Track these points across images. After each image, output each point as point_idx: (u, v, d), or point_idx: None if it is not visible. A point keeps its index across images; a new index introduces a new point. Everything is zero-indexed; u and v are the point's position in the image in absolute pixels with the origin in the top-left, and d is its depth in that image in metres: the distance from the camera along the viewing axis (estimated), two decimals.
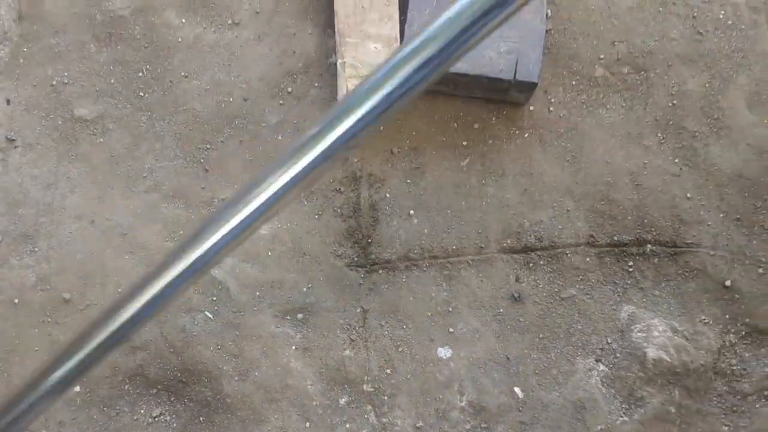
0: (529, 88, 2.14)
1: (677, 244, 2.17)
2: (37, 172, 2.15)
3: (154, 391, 2.03)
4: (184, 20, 2.26)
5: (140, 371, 2.03)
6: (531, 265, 2.15)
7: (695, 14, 2.30)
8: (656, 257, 2.16)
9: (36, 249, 2.10)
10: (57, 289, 2.09)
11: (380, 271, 2.13)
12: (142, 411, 2.04)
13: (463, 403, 2.04)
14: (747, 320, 2.12)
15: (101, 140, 2.17)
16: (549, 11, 2.21)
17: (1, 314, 2.09)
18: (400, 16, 2.19)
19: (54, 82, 2.21)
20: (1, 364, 2.07)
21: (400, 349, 2.06)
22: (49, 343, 2.04)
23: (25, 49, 2.24)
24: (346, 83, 2.07)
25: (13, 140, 2.17)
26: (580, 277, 2.13)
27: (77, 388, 2.01)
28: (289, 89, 2.24)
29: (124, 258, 2.09)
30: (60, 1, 2.28)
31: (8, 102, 2.19)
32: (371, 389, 2.05)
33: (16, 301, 2.09)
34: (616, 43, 2.31)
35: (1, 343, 2.07)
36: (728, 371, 2.08)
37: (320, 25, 2.29)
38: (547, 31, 2.16)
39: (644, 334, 2.10)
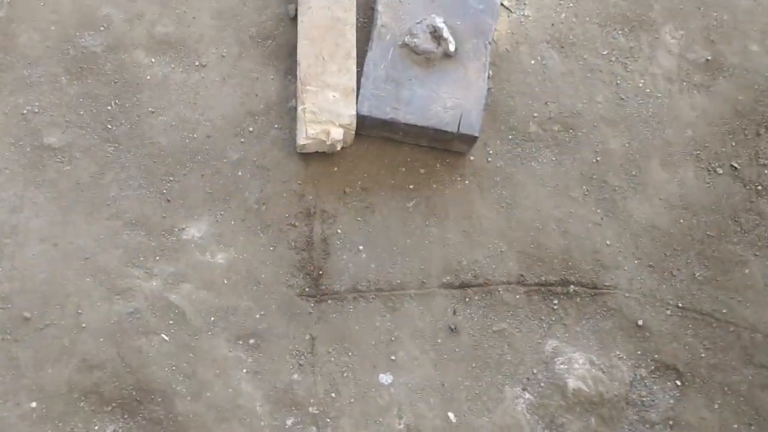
0: (471, 140, 2.51)
1: (597, 285, 2.56)
2: (4, 195, 2.39)
3: (109, 408, 2.28)
4: (153, 60, 2.57)
5: (96, 389, 2.26)
6: (467, 299, 2.49)
7: (618, 82, 2.74)
8: (578, 297, 2.54)
9: None
10: (18, 307, 2.32)
11: (329, 301, 2.44)
12: (96, 428, 2.29)
13: (401, 426, 2.36)
14: (656, 356, 2.52)
15: (68, 168, 2.43)
16: (491, 72, 2.59)
17: None
18: (357, 69, 2.50)
19: (24, 111, 2.47)
20: None
21: (345, 375, 2.35)
22: (7, 360, 2.27)
23: None
24: (306, 127, 2.40)
25: None
26: (511, 312, 2.49)
27: (33, 404, 2.22)
28: (251, 129, 2.55)
29: (85, 280, 2.34)
30: (35, 35, 2.55)
31: None
32: (317, 411, 2.34)
33: None
34: (548, 103, 2.72)
35: None
36: (639, 402, 2.47)
37: (282, 71, 2.63)
38: (488, 90, 2.52)
39: (566, 366, 2.46)
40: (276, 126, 2.70)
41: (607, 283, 2.70)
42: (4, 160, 2.53)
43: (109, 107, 2.63)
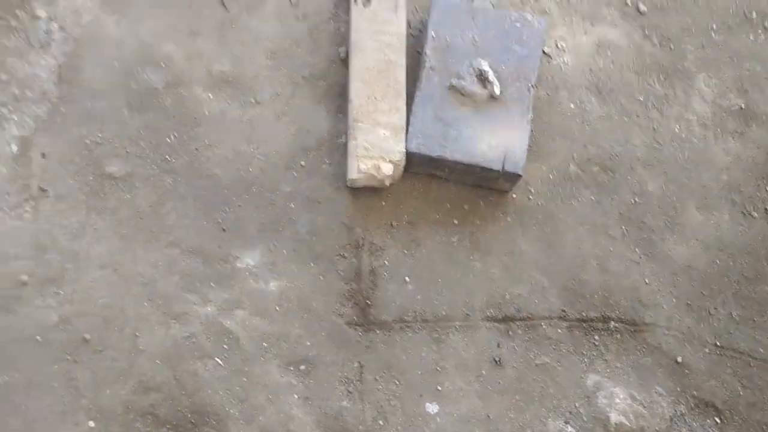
0: (515, 178, 2.69)
1: (637, 322, 2.71)
2: (66, 222, 2.57)
3: (164, 430, 2.44)
4: (211, 95, 2.78)
5: (152, 410, 2.41)
6: (510, 333, 2.64)
7: (655, 126, 2.95)
8: (619, 333, 2.69)
9: (60, 292, 2.50)
10: (78, 329, 2.49)
11: (377, 331, 2.58)
12: None
13: None
14: (695, 393, 2.66)
15: (128, 196, 2.61)
16: (532, 115, 2.76)
17: (23, 351, 2.49)
18: (406, 109, 2.68)
19: (88, 141, 2.68)
20: (20, 400, 2.42)
21: (392, 403, 2.49)
22: (67, 380, 2.42)
23: (62, 110, 2.72)
24: (358, 162, 2.58)
25: (45, 190, 2.60)
26: (553, 346, 2.63)
27: (91, 423, 2.36)
28: (302, 163, 2.74)
29: (143, 305, 2.51)
30: (99, 70, 2.77)
31: (43, 155, 2.63)
32: None
33: (39, 338, 2.48)
34: (587, 146, 2.91)
35: (21, 379, 2.46)
36: None
37: (333, 110, 2.84)
38: (530, 132, 2.69)
39: (607, 401, 2.60)
40: (326, 161, 2.90)
41: (646, 321, 2.86)
42: (68, 188, 2.73)
43: (169, 140, 2.83)
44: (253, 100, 3.02)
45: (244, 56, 3.07)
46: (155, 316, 2.69)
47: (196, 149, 2.93)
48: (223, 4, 3.12)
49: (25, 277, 2.65)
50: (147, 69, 2.99)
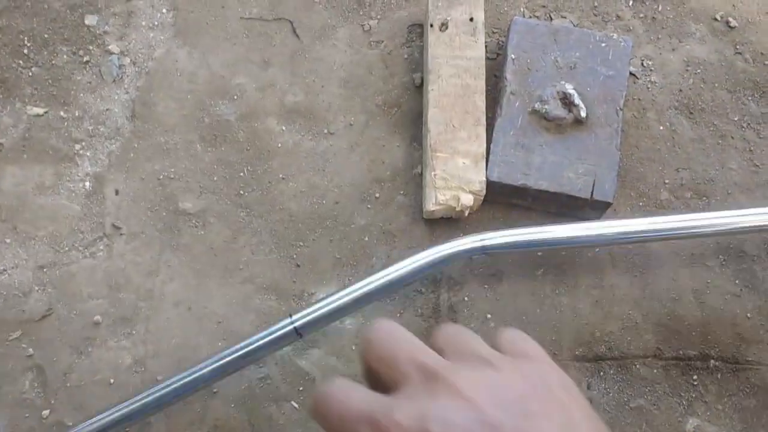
0: (603, 206, 2.47)
1: (738, 360, 2.44)
2: (140, 260, 2.44)
3: None
4: (284, 128, 2.63)
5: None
6: (602, 373, 2.40)
7: (752, 148, 2.69)
8: (719, 372, 2.43)
9: (133, 332, 2.37)
10: (151, 371, 2.35)
11: None
12: None
13: None
14: None
15: (202, 232, 2.48)
16: (620, 138, 2.53)
17: (96, 393, 2.35)
18: (487, 136, 2.52)
19: (161, 177, 2.55)
20: None
21: None
22: (140, 426, 2.25)
23: (135, 145, 2.59)
24: (436, 193, 2.39)
25: (119, 228, 2.48)
26: (648, 387, 2.39)
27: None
28: (377, 195, 2.57)
29: (217, 344, 2.37)
30: (171, 104, 2.65)
31: (117, 192, 2.51)
32: None
33: (112, 381, 2.34)
34: (679, 170, 2.67)
35: None
36: None
37: (407, 139, 2.67)
38: (619, 156, 2.49)
39: None
40: (401, 192, 2.73)
41: (749, 358, 2.58)
42: (141, 225, 2.62)
43: (242, 174, 2.70)
44: (326, 131, 2.88)
45: (316, 86, 2.93)
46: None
47: (270, 183, 2.80)
48: (295, 34, 3.00)
49: (98, 318, 2.55)
50: (219, 102, 2.88)
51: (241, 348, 2.48)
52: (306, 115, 3.01)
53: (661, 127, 3.12)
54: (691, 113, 3.18)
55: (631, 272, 2.82)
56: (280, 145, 3.12)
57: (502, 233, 2.58)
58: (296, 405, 2.61)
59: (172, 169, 3.01)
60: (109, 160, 3.08)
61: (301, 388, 2.62)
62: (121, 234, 2.94)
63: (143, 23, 3.19)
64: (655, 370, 2.78)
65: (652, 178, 3.04)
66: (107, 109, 3.02)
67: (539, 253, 2.81)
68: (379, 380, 0.82)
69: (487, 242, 2.58)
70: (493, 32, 3.22)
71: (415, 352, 0.83)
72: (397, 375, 0.80)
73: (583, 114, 3.02)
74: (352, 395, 0.79)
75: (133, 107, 2.87)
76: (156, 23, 2.97)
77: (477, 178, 2.92)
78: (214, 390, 2.51)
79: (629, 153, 3.06)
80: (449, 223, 2.98)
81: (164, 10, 3.17)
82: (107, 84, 3.10)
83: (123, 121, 2.86)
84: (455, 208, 2.76)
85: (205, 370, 2.57)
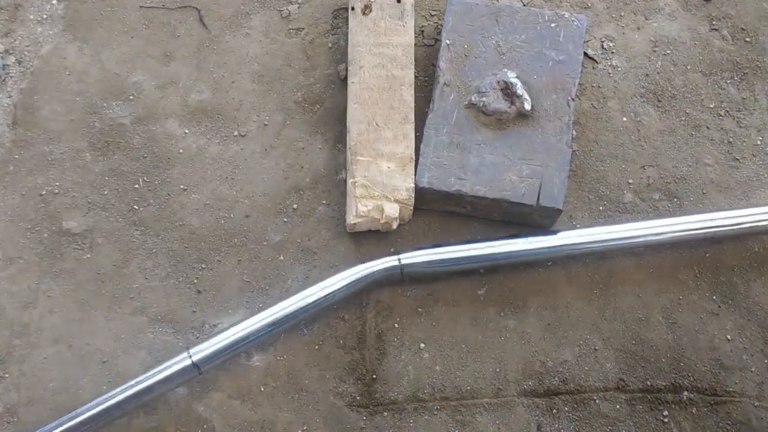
0: (553, 214, 2.09)
1: (717, 392, 2.08)
2: (16, 289, 2.09)
3: None
4: (187, 131, 2.26)
5: None
6: (554, 411, 2.04)
7: (731, 139, 2.31)
8: (694, 406, 2.07)
9: (6, 375, 2.02)
10: (24, 421, 2.01)
11: (385, 413, 2.02)
12: None
13: None
14: None
15: (88, 256, 2.11)
16: (574, 132, 2.16)
17: None
18: (415, 134, 2.11)
19: (44, 192, 2.18)
20: None
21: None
22: None
23: (16, 156, 2.24)
24: (357, 203, 2.01)
25: None
26: (610, 427, 2.06)
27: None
28: (295, 206, 2.19)
29: (102, 388, 2.03)
30: (58, 107, 2.29)
31: None
32: None
33: None
34: (646, 168, 2.27)
35: None
36: None
37: (330, 140, 2.28)
38: (572, 153, 2.08)
39: None
40: (324, 202, 2.35)
41: (729, 389, 2.19)
42: (19, 249, 2.26)
43: (137, 185, 2.33)
44: (236, 133, 2.49)
45: (226, 81, 2.53)
46: None
47: (169, 195, 2.41)
48: (203, 23, 2.60)
49: None
50: (113, 103, 2.48)
51: (130, 387, 2.04)
52: (213, 116, 2.50)
53: (625, 118, 2.57)
54: (660, 101, 2.63)
55: (589, 289, 2.37)
56: (182, 150, 2.56)
57: (421, 252, 2.26)
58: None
59: (57, 183, 2.56)
60: None
61: None
62: None
63: (31, 17, 2.63)
64: (618, 406, 2.31)
65: (613, 178, 2.50)
66: None
67: (481, 270, 2.39)
68: None
69: (405, 261, 2.23)
70: (432, 14, 2.74)
71: None
72: None
73: (527, 106, 2.48)
74: None
75: (15, 113, 2.47)
76: (45, 16, 2.56)
77: (404, 185, 2.34)
78: None
79: (587, 149, 2.62)
80: (377, 237, 2.38)
81: (54, 1, 2.72)
82: None
83: (3, 129, 2.46)
84: (379, 220, 2.35)
85: (84, 416, 2.12)
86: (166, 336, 2.22)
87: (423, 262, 2.17)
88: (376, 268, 2.13)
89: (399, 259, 2.15)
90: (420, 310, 2.27)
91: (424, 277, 2.24)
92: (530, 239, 2.20)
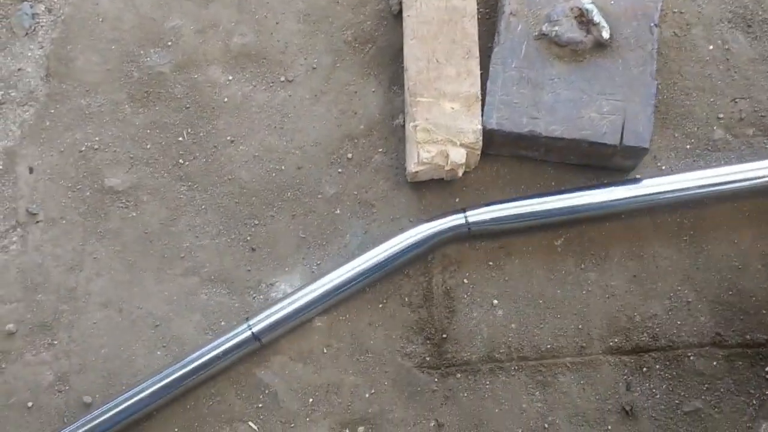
0: (638, 154, 1.87)
1: None
2: (60, 252, 1.94)
3: None
4: (230, 77, 2.08)
5: None
6: (645, 369, 1.85)
7: None
8: None
9: (55, 341, 1.88)
10: (77, 390, 1.87)
11: (458, 375, 1.84)
12: None
13: None
14: None
15: (134, 214, 1.96)
16: (657, 65, 1.91)
17: (11, 419, 1.89)
18: (481, 71, 1.90)
19: (83, 148, 2.03)
20: None
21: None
22: None
23: (52, 111, 2.08)
24: (418, 149, 1.80)
25: (35, 214, 1.98)
26: (706, 385, 1.84)
27: None
28: (349, 155, 2.00)
29: (155, 354, 1.86)
30: (93, 57, 2.14)
31: (31, 170, 2.01)
32: None
33: (30, 404, 1.87)
34: (737, 100, 2.05)
35: None
36: None
37: (385, 81, 2.10)
38: (657, 87, 1.85)
39: None
40: (380, 150, 2.16)
41: None
42: (61, 209, 2.12)
43: (181, 138, 2.17)
44: (283, 79, 2.29)
45: (269, 23, 2.32)
46: None
47: (215, 147, 2.23)
48: None
49: (11, 326, 2.06)
50: (150, 50, 2.30)
51: (189, 363, 1.90)
52: (257, 60, 2.28)
53: (711, 47, 2.26)
54: (750, 26, 2.27)
55: (678, 236, 2.14)
56: (226, 99, 2.29)
57: (489, 208, 2.03)
58: (254, 426, 2.09)
59: (97, 138, 2.28)
60: (22, 131, 2.27)
61: (260, 405, 2.07)
62: (37, 221, 2.36)
63: None
64: (714, 362, 2.02)
65: (701, 113, 2.22)
66: (19, 70, 2.42)
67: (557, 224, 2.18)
68: None
69: (473, 218, 2.01)
70: None
71: None
72: None
73: (605, 35, 2.14)
74: None
75: (48, 65, 2.30)
76: None
77: (470, 127, 2.05)
78: (153, 412, 2.01)
79: (670, 82, 2.34)
80: (440, 186, 2.15)
81: None
82: (18, 38, 2.49)
83: (37, 82, 2.30)
84: (443, 167, 2.14)
85: (145, 393, 1.89)
86: (220, 297, 2.07)
87: (492, 218, 1.97)
88: (440, 227, 1.93)
89: (465, 217, 1.95)
90: (491, 264, 2.08)
91: (494, 234, 2.04)
92: (612, 189, 1.97)
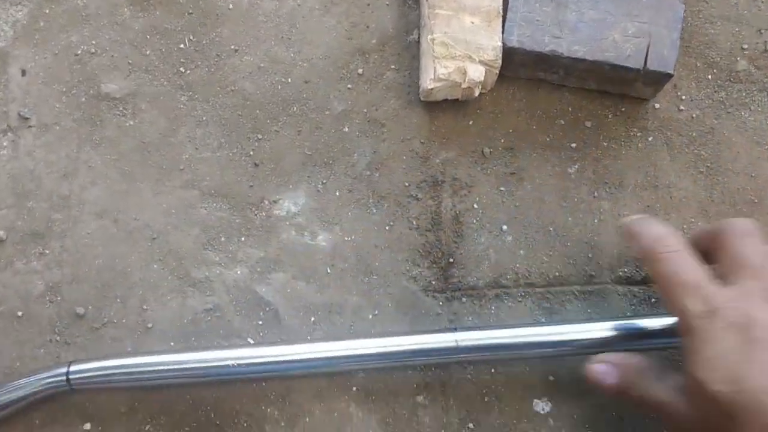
0: (661, 80, 1.79)
1: None
2: (54, 158, 1.83)
3: None
4: None
5: (165, 409, 1.68)
6: (654, 301, 1.76)
7: None
8: None
9: (46, 251, 1.78)
10: (69, 301, 1.78)
11: (463, 299, 1.78)
12: None
13: None
14: None
15: (131, 123, 1.85)
16: None
17: (0, 328, 1.75)
18: None
19: (79, 52, 1.91)
20: None
21: (486, 399, 1.70)
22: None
23: (47, 11, 1.94)
24: (435, 64, 1.70)
25: (27, 118, 1.86)
26: None
27: (87, 426, 1.66)
28: (360, 71, 1.90)
29: (152, 267, 1.77)
30: None
31: (23, 73, 1.89)
32: None
33: (20, 314, 1.77)
34: (763, 32, 1.98)
35: None
36: None
37: None
38: (684, 11, 1.76)
39: None
40: (393, 66, 2.05)
41: None
42: (54, 114, 2.00)
43: (182, 45, 2.04)
44: None
45: None
46: (168, 282, 1.96)
47: (218, 56, 2.12)
48: None
49: (1, 233, 1.97)
50: None
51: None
52: None
53: None
54: None
55: (695, 168, 2.04)
56: (231, 6, 2.31)
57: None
58: (253, 342, 2.02)
59: (93, 42, 2.31)
60: (14, 30, 2.35)
61: (260, 322, 2.01)
62: (29, 126, 2.26)
63: None
64: None
65: (725, 43, 2.10)
66: None
67: (573, 145, 2.10)
68: (707, 258, 1.04)
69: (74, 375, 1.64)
70: None
71: (762, 254, 0.97)
72: (737, 268, 0.97)
73: None
74: (689, 263, 1.02)
75: None
76: None
77: (490, 43, 1.93)
78: (149, 325, 1.94)
79: (694, 9, 2.23)
80: (455, 108, 2.04)
81: None
82: None
83: None
84: (461, 84, 2.04)
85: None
86: (221, 212, 1.98)
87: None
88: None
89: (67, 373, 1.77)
90: (502, 189, 2.01)
91: (520, 150, 1.96)
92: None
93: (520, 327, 1.83)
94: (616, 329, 1.71)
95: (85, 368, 1.80)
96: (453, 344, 1.75)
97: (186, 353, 1.77)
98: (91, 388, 1.84)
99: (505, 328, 1.82)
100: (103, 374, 1.77)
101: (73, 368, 1.74)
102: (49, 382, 1.78)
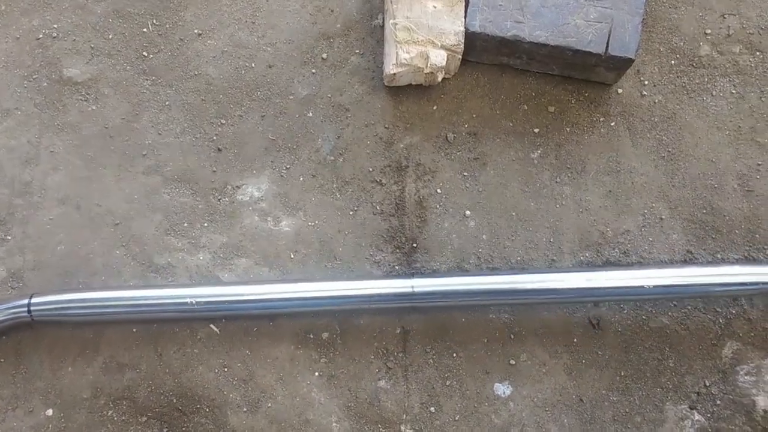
0: (623, 65, 1.78)
1: None
2: (15, 144, 1.81)
3: (144, 419, 1.72)
4: None
5: (127, 394, 1.69)
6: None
7: None
8: None
9: (8, 237, 1.78)
10: (31, 287, 1.78)
11: None
12: None
13: None
14: None
15: (93, 108, 1.83)
16: None
17: None
18: None
19: (40, 35, 1.88)
20: None
21: (447, 383, 1.70)
22: (17, 356, 1.69)
23: None
24: (397, 50, 1.68)
25: None
26: (674, 302, 1.75)
27: (49, 411, 1.64)
28: (324, 55, 1.88)
29: (114, 253, 1.75)
30: None
31: None
32: (411, 431, 1.68)
33: None
34: (726, 17, 1.95)
35: None
36: None
37: None
38: None
39: (753, 378, 1.79)
40: (357, 51, 2.03)
41: None
42: (16, 99, 1.97)
43: (145, 29, 2.02)
44: None
45: None
46: (130, 268, 1.94)
47: (182, 40, 2.09)
48: None
49: None
50: None
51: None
52: None
53: None
54: None
55: (656, 152, 2.06)
56: None
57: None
58: (216, 329, 1.99)
59: (55, 26, 2.07)
60: None
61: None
62: None
63: None
64: None
65: (688, 28, 2.12)
66: None
67: (536, 130, 2.08)
68: None
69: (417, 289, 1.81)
70: None
71: None
72: None
73: None
74: None
75: None
76: None
77: (452, 28, 1.92)
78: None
79: None
80: (418, 93, 2.03)
81: None
82: None
83: None
84: (423, 69, 2.02)
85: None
86: (183, 197, 1.96)
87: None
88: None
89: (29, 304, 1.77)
90: (466, 174, 2.00)
91: (484, 138, 1.94)
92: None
93: (475, 275, 1.84)
94: (569, 280, 1.78)
95: (46, 300, 1.79)
96: (409, 290, 1.76)
97: (145, 289, 1.76)
98: (51, 320, 1.82)
99: (461, 276, 1.82)
100: (63, 306, 1.76)
101: (34, 300, 1.74)
102: (12, 312, 1.77)
